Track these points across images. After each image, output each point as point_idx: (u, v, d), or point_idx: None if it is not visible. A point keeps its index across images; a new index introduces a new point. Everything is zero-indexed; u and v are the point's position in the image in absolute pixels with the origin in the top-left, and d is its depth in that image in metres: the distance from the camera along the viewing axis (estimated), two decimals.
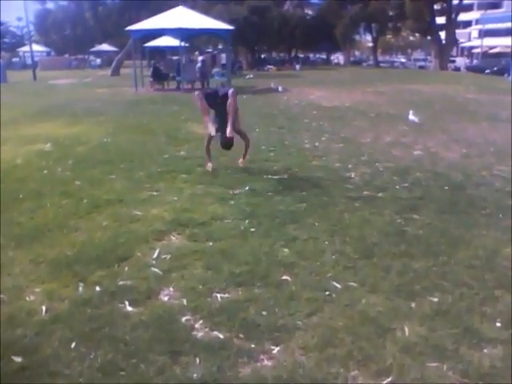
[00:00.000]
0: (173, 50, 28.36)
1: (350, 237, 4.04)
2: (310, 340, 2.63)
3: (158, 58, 29.42)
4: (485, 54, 50.36)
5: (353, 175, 6.22)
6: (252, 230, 4.25)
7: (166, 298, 3.12)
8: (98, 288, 3.23)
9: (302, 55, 57.30)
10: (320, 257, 3.67)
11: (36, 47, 54.59)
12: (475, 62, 46.22)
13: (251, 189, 5.54)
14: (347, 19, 45.43)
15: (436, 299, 3.05)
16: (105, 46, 54.38)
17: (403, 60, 60.12)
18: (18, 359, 2.51)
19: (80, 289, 3.25)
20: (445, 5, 42.02)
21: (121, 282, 3.31)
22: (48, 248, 3.91)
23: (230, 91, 5.99)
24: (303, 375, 2.37)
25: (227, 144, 5.98)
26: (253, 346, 2.60)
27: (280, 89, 18.28)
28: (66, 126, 10.40)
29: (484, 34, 50.50)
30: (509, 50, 40.81)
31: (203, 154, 6.45)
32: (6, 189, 5.54)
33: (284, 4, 50.63)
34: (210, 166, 6.30)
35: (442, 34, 42.39)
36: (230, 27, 20.35)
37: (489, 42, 52.20)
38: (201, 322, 2.84)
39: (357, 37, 57.03)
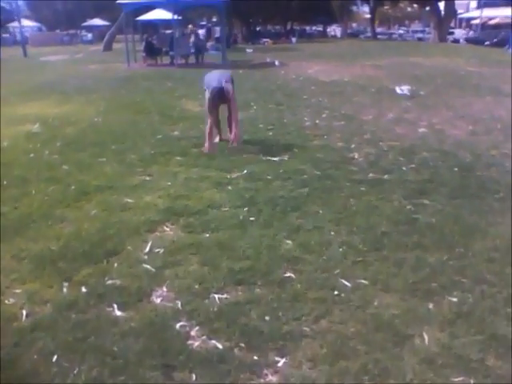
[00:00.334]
0: (166, 23, 27.56)
1: (357, 226, 3.75)
2: (319, 350, 2.36)
3: (151, 32, 28.63)
4: (484, 26, 49.39)
5: (356, 156, 5.90)
6: (251, 219, 3.96)
7: (158, 300, 2.84)
8: (84, 289, 2.94)
9: (298, 28, 56.13)
10: (326, 250, 3.38)
11: (27, 22, 53.26)
12: (471, 33, 45.29)
13: (249, 172, 5.23)
14: None
15: (455, 299, 2.77)
16: (97, 21, 53.01)
17: (401, 32, 58.97)
18: None
19: (64, 289, 2.97)
20: None
21: (109, 281, 3.02)
22: (31, 242, 3.61)
23: (230, 90, 5.87)
24: None
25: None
26: (255, 357, 2.32)
27: (277, 63, 17.76)
28: (56, 104, 9.98)
29: (483, 4, 49.40)
30: (508, 20, 39.84)
31: (203, 134, 6.13)
32: None
33: None
34: (206, 147, 6.06)
35: (441, 5, 41.42)
36: None
37: (487, 12, 51.10)
38: (197, 328, 2.56)
39: (354, 8, 55.85)
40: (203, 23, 47.22)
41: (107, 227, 3.83)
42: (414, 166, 5.44)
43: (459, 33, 45.60)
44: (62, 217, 4.07)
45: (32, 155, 6.03)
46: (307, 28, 60.76)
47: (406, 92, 10.37)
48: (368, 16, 58.02)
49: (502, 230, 3.72)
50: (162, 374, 2.23)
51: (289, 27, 54.49)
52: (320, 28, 61.41)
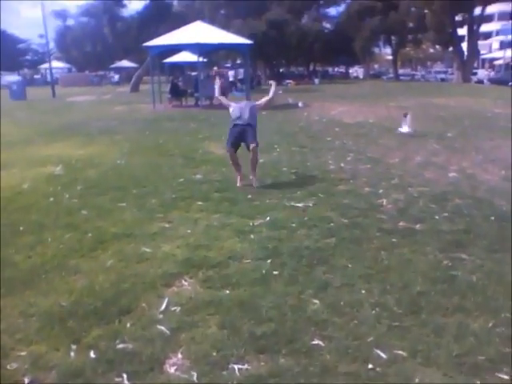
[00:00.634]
0: (192, 65, 28.18)
1: (391, 284, 3.45)
2: None
3: (177, 74, 29.33)
4: (507, 66, 49.20)
5: (385, 202, 5.63)
6: (275, 273, 3.69)
7: (172, 370, 2.56)
8: (92, 354, 2.70)
9: (320, 69, 56.91)
10: (358, 312, 3.08)
11: (57, 64, 55.48)
12: (492, 74, 45.03)
13: (273, 219, 5.00)
14: (367, 32, 44.87)
15: (507, 376, 2.44)
16: (125, 63, 54.84)
17: (423, 73, 59.16)
18: None
19: (72, 353, 2.73)
20: (466, 16, 41.21)
21: (120, 345, 2.77)
22: (42, 296, 3.41)
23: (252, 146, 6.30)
24: None
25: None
26: None
27: (300, 104, 17.77)
28: (80, 146, 10.03)
29: (506, 45, 49.38)
30: None
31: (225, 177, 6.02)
32: (6, 220, 5.10)
33: (302, 18, 50.47)
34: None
35: (464, 46, 41.53)
36: (249, 41, 19.99)
37: (509, 53, 50.96)
38: None
39: (376, 50, 56.48)
40: (228, 65, 48.24)
41: (122, 280, 3.61)
42: (447, 214, 5.13)
43: (482, 73, 45.46)
44: (76, 268, 3.87)
45: (52, 199, 5.93)
46: (330, 69, 61.64)
47: (409, 130, 10.49)
48: (390, 57, 58.57)
49: None
50: None
51: (311, 68, 55.39)
52: (342, 69, 62.28)
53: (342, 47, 46.58)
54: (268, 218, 5.01)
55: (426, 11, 40.51)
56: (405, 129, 10.71)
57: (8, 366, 2.64)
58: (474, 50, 41.32)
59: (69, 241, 4.48)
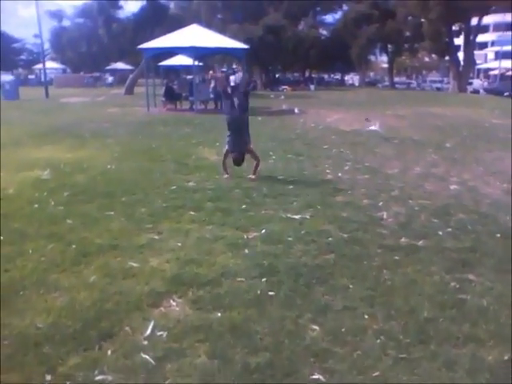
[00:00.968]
0: (187, 69, 27.96)
1: (396, 309, 3.20)
2: None
3: (173, 77, 29.05)
4: (502, 76, 49.35)
5: (385, 216, 5.39)
6: (271, 293, 3.43)
7: None
8: None
9: (316, 75, 56.85)
10: (361, 341, 2.82)
11: (52, 64, 55.02)
12: (486, 84, 45.12)
13: (268, 232, 4.75)
14: (364, 39, 44.85)
15: None
16: (120, 64, 54.51)
17: (420, 81, 59.29)
18: None
19: None
20: (463, 26, 41.30)
21: (99, 377, 2.50)
22: (17, 317, 3.12)
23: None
24: None
25: (238, 160, 6.97)
26: None
27: (296, 111, 17.58)
28: (70, 149, 9.72)
29: (501, 55, 49.53)
30: None
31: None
32: None
33: (299, 24, 50.39)
34: (226, 176, 6.99)
35: (460, 55, 41.61)
36: (245, 46, 19.79)
37: (504, 64, 51.20)
38: None
39: (372, 57, 56.50)
40: (224, 69, 48.02)
41: (105, 299, 3.33)
42: (450, 230, 4.90)
43: (477, 83, 45.56)
44: (57, 284, 3.59)
45: (36, 206, 5.63)
46: (325, 76, 61.62)
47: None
48: (385, 65, 58.63)
49: None
50: None
51: (307, 75, 55.29)
52: (338, 76, 62.27)
53: (338, 54, 46.51)
54: (263, 231, 4.76)
55: (422, 20, 40.59)
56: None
57: None
58: (470, 59, 41.43)
59: (51, 253, 4.19)
